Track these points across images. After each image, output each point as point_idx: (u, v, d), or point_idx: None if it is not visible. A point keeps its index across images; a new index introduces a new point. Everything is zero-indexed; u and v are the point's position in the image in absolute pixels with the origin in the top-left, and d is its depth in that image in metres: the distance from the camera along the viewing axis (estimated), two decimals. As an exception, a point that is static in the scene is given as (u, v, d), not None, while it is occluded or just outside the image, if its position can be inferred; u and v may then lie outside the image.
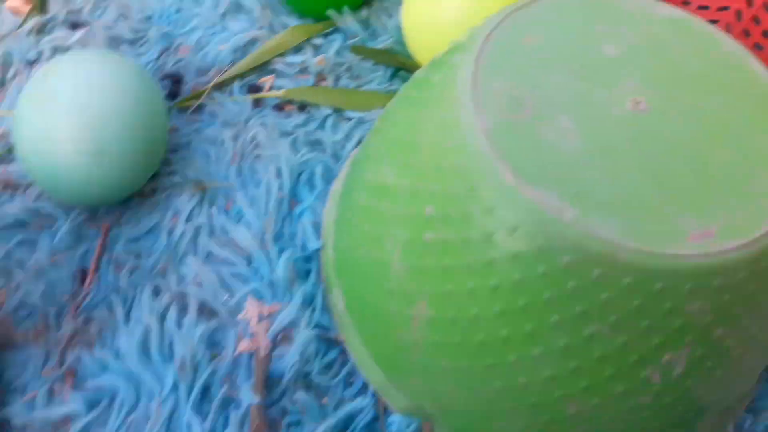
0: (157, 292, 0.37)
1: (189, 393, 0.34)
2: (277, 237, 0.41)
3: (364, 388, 0.36)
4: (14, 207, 0.39)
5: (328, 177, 0.44)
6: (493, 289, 0.28)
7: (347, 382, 0.36)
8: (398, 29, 0.51)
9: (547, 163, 0.28)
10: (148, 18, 0.52)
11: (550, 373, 0.28)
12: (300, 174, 0.44)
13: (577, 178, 0.28)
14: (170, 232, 0.40)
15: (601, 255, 0.26)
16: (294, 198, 0.43)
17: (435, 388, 0.33)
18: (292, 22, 0.52)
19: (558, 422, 0.30)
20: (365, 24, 0.52)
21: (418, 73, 0.36)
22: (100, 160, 0.36)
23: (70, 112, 0.36)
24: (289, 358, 0.35)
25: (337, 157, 0.45)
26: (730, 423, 0.36)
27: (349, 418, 0.35)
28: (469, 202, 0.28)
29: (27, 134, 0.37)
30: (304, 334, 0.36)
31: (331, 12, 0.51)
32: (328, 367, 0.36)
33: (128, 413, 0.33)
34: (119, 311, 0.36)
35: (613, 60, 0.32)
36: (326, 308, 0.38)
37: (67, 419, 0.33)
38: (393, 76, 0.50)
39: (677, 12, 0.35)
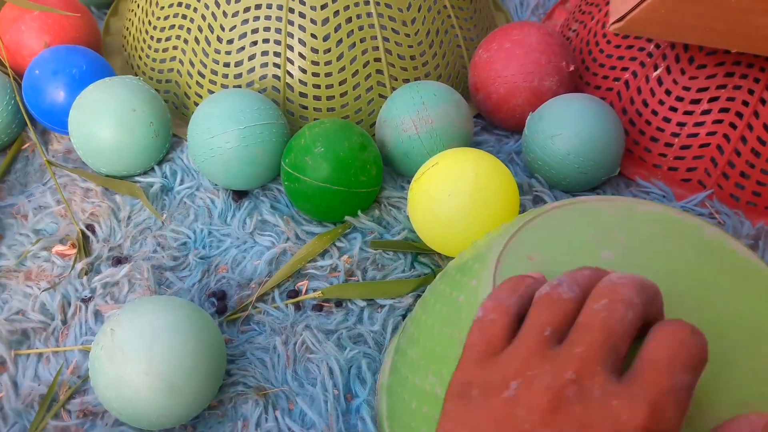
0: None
1: None
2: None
3: None
4: (99, 433, 0.46)
5: (374, 368, 0.51)
6: None
7: None
8: (408, 220, 0.60)
9: None
10: (184, 244, 0.61)
11: None
12: (350, 369, 0.51)
13: None
14: (244, 440, 0.47)
15: None
16: (349, 392, 0.50)
17: None
18: (314, 228, 0.62)
19: None
20: (378, 221, 0.62)
21: (439, 287, 0.44)
22: (172, 394, 0.44)
23: (141, 362, 0.44)
24: None
25: (378, 346, 0.53)
26: None
27: None
28: None
29: (104, 383, 0.44)
30: None
31: (347, 217, 0.61)
32: None
33: None
34: None
35: (611, 263, 0.39)
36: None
37: None
38: (414, 261, 0.60)
39: (656, 207, 0.43)
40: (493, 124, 0.73)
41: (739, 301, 0.38)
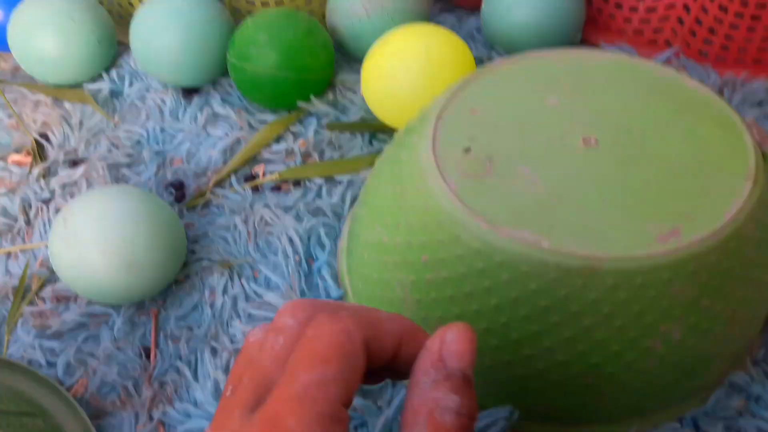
0: (215, 352, 0.45)
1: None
2: (304, 291, 0.49)
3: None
4: (72, 314, 0.48)
5: (334, 235, 0.53)
6: (495, 307, 0.35)
7: (393, 386, 0.44)
8: (364, 101, 0.62)
9: (517, 207, 0.35)
10: (138, 142, 0.62)
11: (563, 359, 0.35)
12: (309, 237, 0.53)
13: (546, 214, 0.35)
14: (212, 305, 0.48)
15: (581, 268, 0.33)
16: (311, 257, 0.52)
17: None
18: (268, 116, 0.63)
19: (579, 391, 0.37)
20: (334, 104, 0.63)
21: (387, 150, 0.45)
22: (131, 271, 0.45)
23: (96, 243, 0.45)
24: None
25: (338, 217, 0.54)
26: (746, 359, 0.43)
27: (400, 409, 0.42)
28: (457, 248, 0.36)
29: (64, 266, 0.46)
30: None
31: (301, 103, 0.62)
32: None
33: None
34: (187, 372, 0.44)
35: (557, 108, 0.40)
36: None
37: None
38: (371, 139, 0.61)
39: (608, 54, 0.44)
40: (453, 3, 0.74)
41: (689, 134, 0.39)
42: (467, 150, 0.38)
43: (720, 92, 0.62)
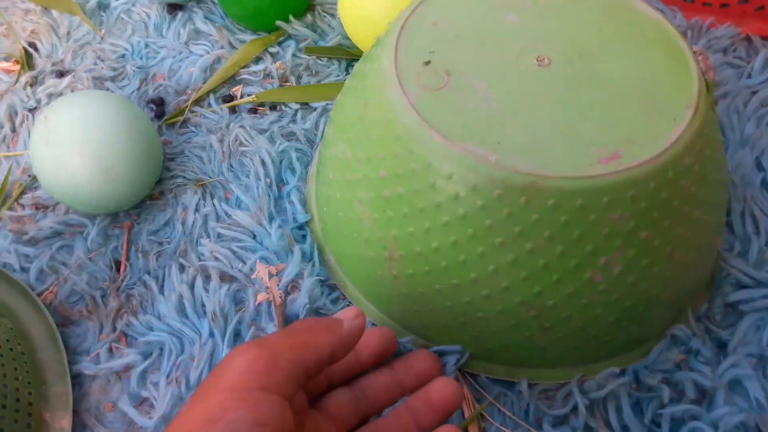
0: (182, 268, 0.48)
1: (223, 337, 0.44)
2: (272, 214, 0.51)
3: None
4: (48, 222, 0.50)
5: (305, 161, 0.55)
6: (444, 225, 0.37)
7: (351, 309, 0.47)
8: (342, 26, 0.62)
9: (470, 121, 0.36)
10: (122, 56, 0.63)
11: (506, 284, 0.37)
12: (281, 161, 0.55)
13: (496, 130, 0.36)
14: (183, 222, 0.51)
15: (525, 185, 0.34)
16: (281, 182, 0.54)
17: (418, 310, 0.42)
18: (248, 37, 0.64)
19: (523, 324, 0.39)
20: (312, 27, 0.64)
21: (356, 66, 0.46)
22: (108, 176, 0.47)
23: (75, 143, 0.46)
24: (300, 301, 0.46)
25: (310, 143, 0.56)
26: (688, 311, 0.44)
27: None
28: (412, 161, 0.37)
29: (43, 167, 0.47)
30: (308, 281, 0.47)
31: (279, 23, 0.63)
32: (334, 302, 0.47)
33: (177, 357, 0.44)
34: (154, 286, 0.47)
35: (515, 26, 0.41)
36: (322, 264, 0.49)
37: (128, 367, 0.44)
38: (348, 66, 0.62)
39: None
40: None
41: (638, 58, 0.40)
42: (427, 63, 0.39)
43: (683, 35, 0.61)
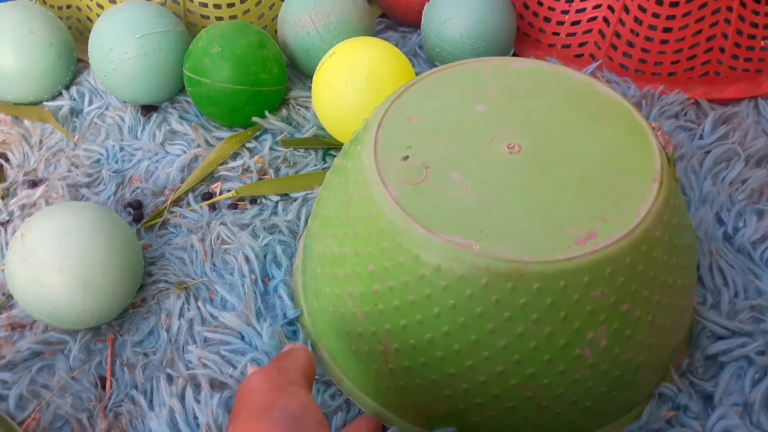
0: (170, 380, 0.45)
1: (220, 450, 0.41)
2: (261, 311, 0.49)
3: (361, 412, 0.44)
4: (26, 342, 0.47)
5: (290, 252, 0.53)
6: (436, 315, 0.37)
7: (348, 407, 0.44)
8: (317, 117, 0.61)
9: (450, 212, 0.37)
10: (97, 161, 0.61)
11: (501, 368, 0.37)
12: (265, 255, 0.53)
13: (476, 219, 0.37)
14: (168, 329, 0.48)
15: (510, 271, 0.35)
16: (267, 276, 0.52)
17: (416, 401, 0.41)
18: (224, 134, 0.62)
19: (520, 405, 0.38)
20: (288, 120, 0.63)
21: (336, 161, 0.46)
22: (89, 290, 0.45)
23: (53, 260, 0.44)
24: (297, 403, 0.43)
25: (293, 234, 0.55)
26: (671, 369, 0.44)
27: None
28: (400, 254, 0.37)
29: (21, 285, 0.45)
30: (304, 382, 0.44)
31: (255, 118, 0.61)
32: (332, 397, 0.44)
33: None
34: (142, 402, 0.44)
35: (485, 116, 0.42)
36: (317, 361, 0.46)
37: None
38: (324, 156, 0.61)
39: (529, 62, 0.46)
40: (396, 21, 0.74)
41: (603, 138, 0.41)
42: (405, 158, 0.40)
43: (639, 105, 0.63)
